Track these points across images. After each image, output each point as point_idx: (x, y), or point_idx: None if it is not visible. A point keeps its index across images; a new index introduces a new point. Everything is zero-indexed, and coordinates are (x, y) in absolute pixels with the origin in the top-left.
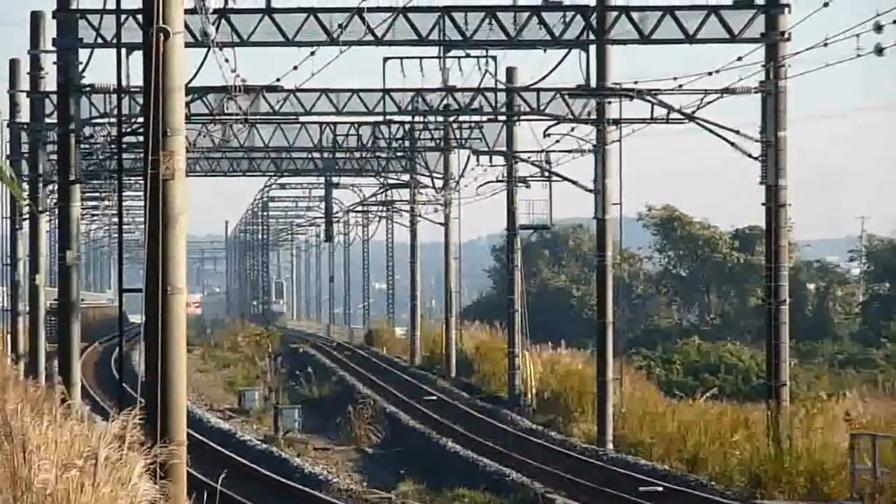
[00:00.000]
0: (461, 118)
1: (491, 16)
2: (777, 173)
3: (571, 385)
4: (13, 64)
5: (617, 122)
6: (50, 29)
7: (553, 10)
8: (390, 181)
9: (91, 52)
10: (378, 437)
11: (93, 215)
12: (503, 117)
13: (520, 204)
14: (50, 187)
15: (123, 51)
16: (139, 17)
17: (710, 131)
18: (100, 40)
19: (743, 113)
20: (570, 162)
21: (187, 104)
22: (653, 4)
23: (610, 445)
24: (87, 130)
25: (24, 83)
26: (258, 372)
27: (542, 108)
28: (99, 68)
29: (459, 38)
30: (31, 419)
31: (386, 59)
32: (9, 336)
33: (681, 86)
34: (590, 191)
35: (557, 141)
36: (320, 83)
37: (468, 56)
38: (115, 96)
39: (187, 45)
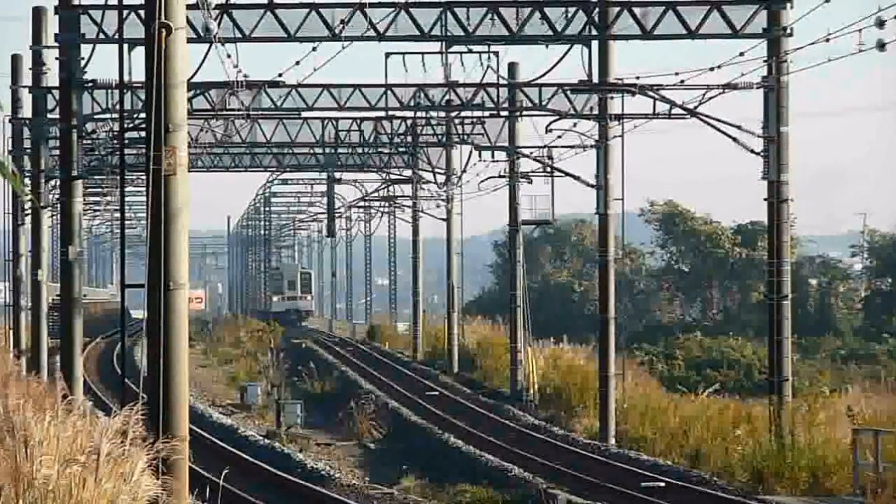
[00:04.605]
0: (463, 113)
1: (493, 11)
2: (779, 169)
3: (573, 380)
4: (15, 59)
5: (619, 117)
6: (52, 24)
7: (555, 6)
8: (392, 176)
9: (93, 48)
10: (380, 433)
11: (95, 211)
12: (505, 113)
13: (522, 199)
14: (52, 183)
15: (125, 46)
16: (141, 12)
17: (713, 126)
18: (102, 36)
19: (745, 108)
20: (573, 157)
21: (189, 100)
22: (655, 0)
23: (612, 441)
24: (89, 126)
25: (27, 78)
26: (260, 367)
27: (544, 103)
28: (101, 64)
29: (461, 33)
30: (33, 414)
31: (388, 55)
32: (11, 332)
33: (683, 81)
34: (592, 186)
35: (559, 136)
36: (322, 78)
37: (470, 51)
38: (117, 92)
39: (189, 40)
